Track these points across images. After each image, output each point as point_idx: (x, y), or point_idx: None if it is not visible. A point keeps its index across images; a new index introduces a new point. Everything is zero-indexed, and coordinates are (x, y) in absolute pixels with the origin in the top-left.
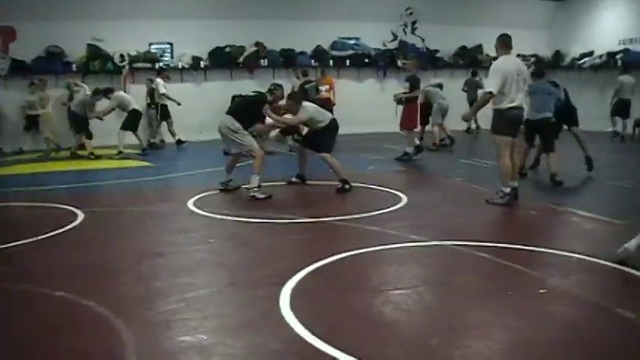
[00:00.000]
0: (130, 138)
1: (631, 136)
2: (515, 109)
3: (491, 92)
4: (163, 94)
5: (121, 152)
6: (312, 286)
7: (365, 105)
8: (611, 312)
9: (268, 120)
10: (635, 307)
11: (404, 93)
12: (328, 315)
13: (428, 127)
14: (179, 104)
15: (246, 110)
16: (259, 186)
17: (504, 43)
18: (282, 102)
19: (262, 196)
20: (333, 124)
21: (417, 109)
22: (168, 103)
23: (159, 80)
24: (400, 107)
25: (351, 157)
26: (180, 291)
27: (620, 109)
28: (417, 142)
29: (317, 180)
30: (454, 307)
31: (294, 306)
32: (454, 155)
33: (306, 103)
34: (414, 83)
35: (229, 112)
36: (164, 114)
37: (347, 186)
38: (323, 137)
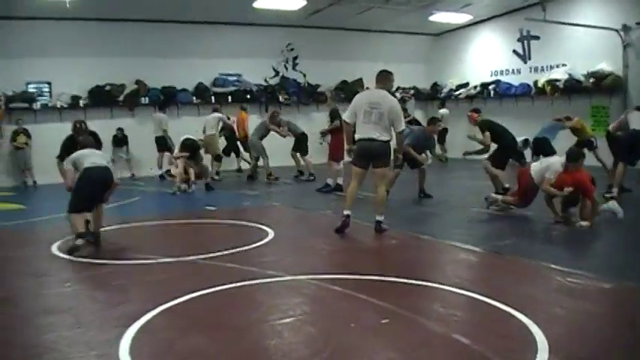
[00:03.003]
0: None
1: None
2: (361, 140)
3: (344, 120)
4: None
5: None
6: (157, 326)
7: None
8: (448, 338)
9: None
10: (469, 333)
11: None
12: (166, 355)
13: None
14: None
15: None
16: None
17: (376, 78)
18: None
19: None
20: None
21: (342, 141)
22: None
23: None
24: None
25: (230, 193)
26: (27, 336)
27: (440, 136)
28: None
29: (178, 219)
30: (295, 341)
31: (134, 348)
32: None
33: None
34: (334, 116)
35: None
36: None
37: (78, 241)
38: None
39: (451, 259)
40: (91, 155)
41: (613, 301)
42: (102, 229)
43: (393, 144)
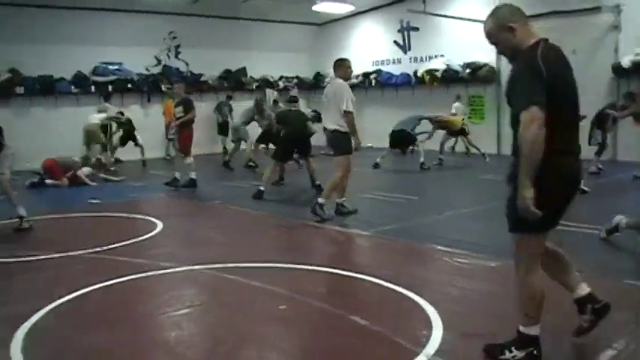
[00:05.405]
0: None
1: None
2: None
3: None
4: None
5: None
6: (49, 325)
7: None
8: (346, 319)
9: None
10: (367, 314)
11: (178, 118)
12: (61, 356)
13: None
14: None
15: None
16: None
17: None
18: None
19: None
20: None
21: (192, 133)
22: None
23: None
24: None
25: (115, 185)
26: None
27: None
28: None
29: (61, 213)
30: (196, 332)
31: (26, 349)
32: (217, 178)
33: None
34: (187, 106)
35: None
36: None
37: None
38: None
39: (341, 244)
40: None
41: (499, 279)
42: None
43: None
